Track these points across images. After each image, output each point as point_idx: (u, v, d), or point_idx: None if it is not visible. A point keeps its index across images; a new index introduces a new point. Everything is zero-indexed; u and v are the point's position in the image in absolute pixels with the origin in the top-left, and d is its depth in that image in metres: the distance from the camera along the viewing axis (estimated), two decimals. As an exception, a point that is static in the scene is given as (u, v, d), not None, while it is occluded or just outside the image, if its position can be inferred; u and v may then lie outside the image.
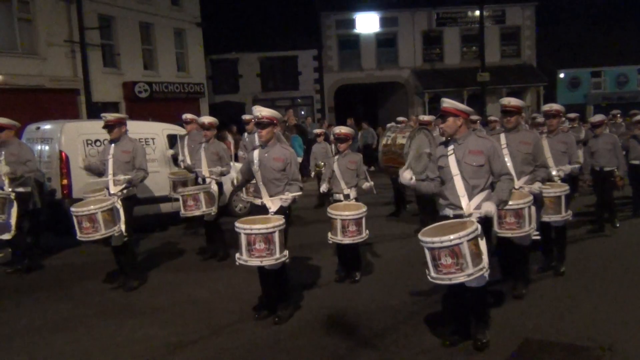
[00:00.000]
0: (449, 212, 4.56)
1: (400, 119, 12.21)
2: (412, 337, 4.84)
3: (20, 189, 7.34)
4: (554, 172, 6.29)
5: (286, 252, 5.06)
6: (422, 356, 4.49)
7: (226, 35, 25.93)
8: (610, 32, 28.88)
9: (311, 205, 12.06)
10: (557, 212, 6.08)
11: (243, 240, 4.88)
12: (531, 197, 5.37)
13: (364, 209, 6.24)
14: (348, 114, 22.74)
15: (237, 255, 4.99)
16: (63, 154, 8.74)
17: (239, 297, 5.99)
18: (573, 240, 7.66)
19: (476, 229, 4.06)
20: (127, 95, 20.34)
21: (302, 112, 27.10)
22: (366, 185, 6.63)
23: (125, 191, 6.42)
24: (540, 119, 9.05)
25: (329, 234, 6.28)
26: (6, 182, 7.18)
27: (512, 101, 5.70)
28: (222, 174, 7.74)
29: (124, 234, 6.33)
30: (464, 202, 4.43)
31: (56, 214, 8.67)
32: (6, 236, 7.30)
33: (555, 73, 29.34)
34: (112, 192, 6.40)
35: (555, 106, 6.62)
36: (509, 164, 5.39)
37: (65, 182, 8.70)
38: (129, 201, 6.52)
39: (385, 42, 28.62)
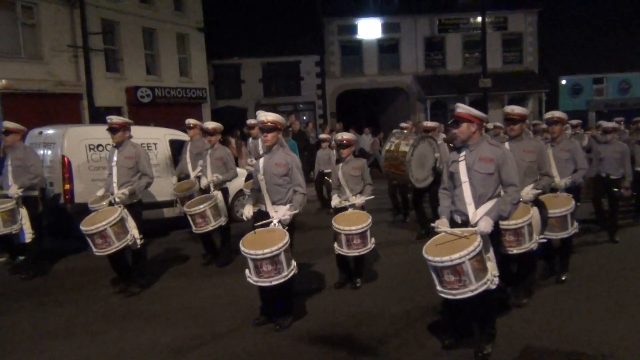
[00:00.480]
0: (456, 218, 4.55)
1: (404, 124, 12.23)
2: (414, 344, 4.85)
3: (28, 193, 7.36)
4: (558, 182, 6.28)
5: (294, 264, 5.05)
6: (424, 363, 4.49)
7: (229, 40, 26.03)
8: (612, 39, 28.88)
9: (313, 211, 12.07)
10: (563, 229, 6.07)
11: (250, 263, 4.90)
12: (530, 215, 5.32)
13: (369, 221, 6.21)
14: (350, 120, 22.81)
15: (247, 273, 5.00)
16: (65, 159, 8.74)
17: (240, 302, 5.99)
18: (576, 248, 7.64)
19: (478, 245, 4.04)
20: (130, 100, 20.41)
21: (304, 118, 27.15)
22: (358, 202, 6.56)
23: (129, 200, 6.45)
24: (543, 126, 9.06)
25: (335, 245, 6.28)
26: (15, 194, 7.21)
27: (516, 109, 5.65)
28: (224, 182, 7.75)
29: (138, 238, 6.35)
30: (470, 210, 4.41)
31: (59, 219, 8.69)
32: (27, 239, 7.31)
33: (558, 79, 29.36)
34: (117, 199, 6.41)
35: (557, 113, 6.60)
36: None
37: (67, 186, 8.70)
38: (135, 207, 6.54)
39: (388, 48, 28.70)
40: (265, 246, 4.82)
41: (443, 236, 4.34)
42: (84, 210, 7.02)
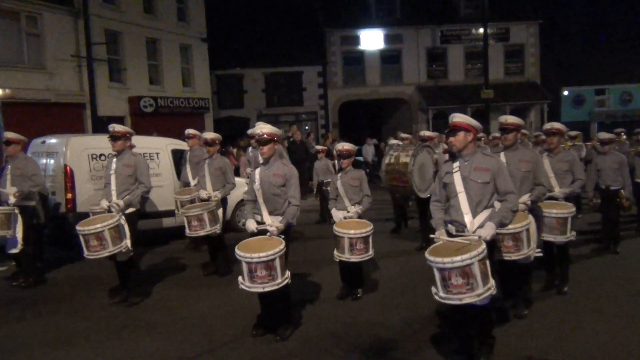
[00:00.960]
0: (451, 229, 4.55)
1: (403, 135, 12.25)
2: (414, 355, 4.83)
3: (25, 203, 7.39)
4: (556, 192, 6.30)
5: (288, 274, 5.05)
6: (423, 374, 4.48)
7: (231, 51, 26.18)
8: (614, 50, 28.99)
9: (312, 221, 12.07)
10: (562, 232, 6.08)
11: (244, 267, 4.89)
12: (528, 220, 5.33)
13: (371, 226, 6.23)
14: (352, 130, 22.88)
15: (240, 279, 4.98)
16: (68, 168, 8.79)
17: (240, 313, 5.97)
18: (577, 259, 7.64)
19: (484, 249, 4.04)
20: (133, 109, 20.51)
21: (307, 128, 27.21)
22: (353, 211, 6.55)
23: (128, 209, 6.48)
24: (544, 137, 9.06)
25: (335, 252, 6.26)
26: (12, 198, 7.23)
27: (510, 118, 5.70)
28: (224, 196, 7.80)
29: (130, 249, 6.36)
30: (467, 219, 4.42)
31: (60, 228, 8.71)
32: (14, 250, 7.32)
33: (560, 90, 29.43)
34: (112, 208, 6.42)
35: (556, 124, 6.62)
36: None
37: (69, 195, 8.74)
38: (133, 216, 6.55)
39: (390, 58, 28.82)
40: (262, 251, 4.83)
41: (443, 244, 4.32)
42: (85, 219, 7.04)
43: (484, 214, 4.41)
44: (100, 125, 17.34)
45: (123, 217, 6.31)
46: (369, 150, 21.70)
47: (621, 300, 6.17)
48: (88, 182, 8.92)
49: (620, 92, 29.97)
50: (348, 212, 6.54)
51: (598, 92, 30.03)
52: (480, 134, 10.30)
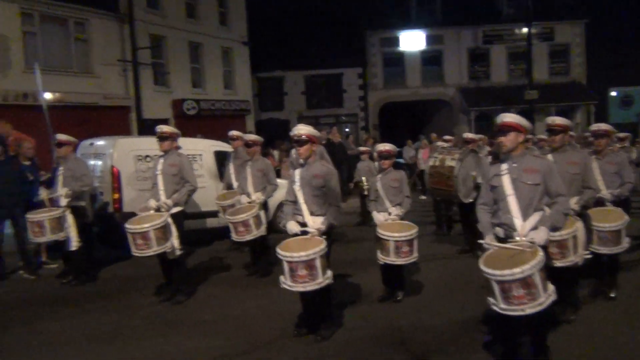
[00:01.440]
0: (499, 232, 4.46)
1: (447, 137, 12.15)
2: (457, 359, 4.77)
3: (76, 203, 7.63)
4: (604, 193, 6.13)
5: (329, 273, 5.05)
6: (466, 379, 4.43)
7: (272, 53, 26.41)
8: (665, 49, 28.04)
9: (353, 223, 12.06)
10: (616, 244, 5.90)
11: (285, 266, 4.93)
12: (575, 227, 5.18)
13: (416, 229, 6.19)
14: (392, 132, 22.76)
15: (282, 278, 5.02)
16: (115, 169, 9.03)
17: (282, 313, 6.02)
18: (626, 264, 7.40)
19: (543, 256, 3.92)
20: (176, 112, 20.91)
21: (347, 130, 27.21)
22: (395, 214, 6.49)
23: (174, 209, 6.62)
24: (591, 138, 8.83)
25: (379, 254, 6.22)
26: (63, 199, 7.49)
27: (557, 120, 5.56)
28: (267, 198, 7.91)
29: (177, 247, 6.50)
30: (518, 223, 4.31)
31: (108, 227, 8.95)
32: (73, 247, 7.55)
33: (607, 91, 28.59)
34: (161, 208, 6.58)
35: (603, 126, 6.44)
36: None
37: (116, 196, 8.97)
38: (178, 216, 6.69)
39: (431, 59, 28.59)
40: (302, 250, 4.86)
41: (496, 252, 4.21)
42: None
43: (535, 217, 4.30)
44: (145, 128, 17.78)
45: (170, 218, 6.46)
46: (409, 152, 21.51)
47: (673, 307, 5.96)
48: (134, 183, 9.15)
49: (671, 92, 28.96)
50: (389, 214, 6.50)
51: (647, 93, 29.10)
52: (530, 135, 10.10)
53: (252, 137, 8.19)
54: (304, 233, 5.33)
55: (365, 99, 28.19)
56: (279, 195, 9.61)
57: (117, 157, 9.14)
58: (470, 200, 8.57)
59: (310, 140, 5.43)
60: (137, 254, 6.33)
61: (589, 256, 5.53)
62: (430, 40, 28.22)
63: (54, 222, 7.35)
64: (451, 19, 27.81)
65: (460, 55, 28.30)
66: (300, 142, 5.42)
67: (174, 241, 6.45)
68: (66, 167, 7.66)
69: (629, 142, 11.98)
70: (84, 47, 17.91)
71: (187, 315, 6.23)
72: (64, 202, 7.48)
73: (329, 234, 5.41)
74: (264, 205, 7.96)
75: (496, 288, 3.93)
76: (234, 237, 7.65)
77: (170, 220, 6.43)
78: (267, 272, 7.76)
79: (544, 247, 4.19)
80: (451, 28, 27.98)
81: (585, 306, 5.83)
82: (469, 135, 9.73)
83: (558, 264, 5.12)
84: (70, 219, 7.49)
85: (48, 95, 14.28)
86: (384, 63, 28.47)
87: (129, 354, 5.16)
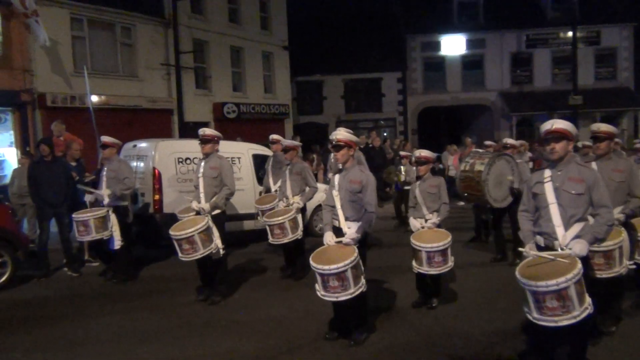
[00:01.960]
0: (539, 240, 4.38)
1: (488, 142, 12.00)
2: (491, 368, 4.72)
3: (118, 203, 7.86)
4: None
5: (363, 281, 5.05)
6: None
7: (312, 58, 26.57)
8: None
9: (389, 228, 12.01)
10: None
11: (318, 277, 4.97)
12: (622, 237, 5.04)
13: (449, 238, 6.10)
14: (432, 137, 22.56)
15: (317, 287, 5.06)
16: (156, 171, 9.24)
17: (317, 316, 6.04)
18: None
19: (581, 269, 3.85)
20: (217, 115, 21.22)
21: (385, 134, 27.12)
22: (431, 222, 6.42)
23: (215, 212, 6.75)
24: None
25: (413, 263, 6.19)
26: (106, 199, 7.74)
27: (602, 126, 5.43)
28: (306, 201, 7.98)
29: (220, 247, 6.63)
30: (559, 232, 4.22)
31: (148, 228, 9.16)
32: (116, 246, 7.78)
33: (656, 97, 27.67)
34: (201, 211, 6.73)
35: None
36: None
37: (157, 197, 9.17)
38: (220, 218, 6.84)
39: (472, 64, 28.23)
40: (333, 262, 4.85)
41: (534, 261, 4.14)
42: (172, 219, 7.41)
43: (577, 227, 4.20)
44: (186, 130, 18.12)
45: (210, 219, 6.58)
46: (449, 157, 21.28)
47: None
48: (174, 185, 9.34)
49: None
50: (426, 221, 6.46)
51: (700, 99, 27.95)
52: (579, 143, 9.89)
53: (289, 142, 8.32)
54: (339, 233, 5.36)
55: (405, 104, 28.04)
56: (314, 200, 9.71)
57: (159, 159, 9.35)
58: (503, 205, 8.43)
59: (347, 145, 5.44)
60: (184, 259, 6.46)
61: (633, 267, 5.39)
62: (471, 44, 27.88)
63: (98, 221, 7.60)
64: (494, 23, 27.42)
65: (503, 60, 27.84)
66: (337, 146, 5.44)
67: (217, 242, 6.58)
68: (110, 169, 7.90)
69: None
70: (130, 51, 18.39)
71: (224, 316, 6.33)
72: (106, 201, 7.71)
73: (364, 241, 5.41)
74: (302, 209, 8.02)
75: (530, 297, 3.89)
76: (271, 239, 7.74)
77: (211, 222, 6.56)
78: (301, 275, 7.82)
79: (585, 259, 4.11)
80: (493, 32, 27.56)
81: (626, 318, 5.67)
82: (509, 140, 9.57)
83: (604, 275, 5.01)
84: (113, 219, 7.72)
85: (95, 98, 14.76)
86: (424, 67, 28.27)
87: (167, 353, 5.27)
